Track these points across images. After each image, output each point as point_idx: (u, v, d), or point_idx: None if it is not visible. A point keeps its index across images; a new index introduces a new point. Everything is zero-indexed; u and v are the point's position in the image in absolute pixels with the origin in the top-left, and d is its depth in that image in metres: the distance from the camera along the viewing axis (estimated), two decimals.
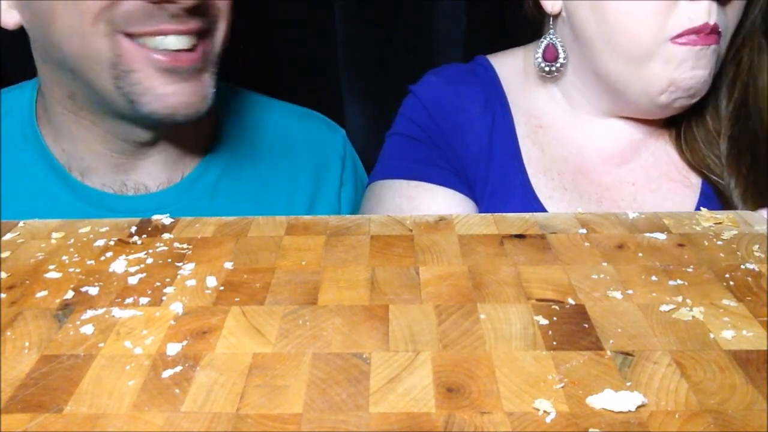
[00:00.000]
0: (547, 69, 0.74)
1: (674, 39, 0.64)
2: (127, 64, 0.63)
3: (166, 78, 0.63)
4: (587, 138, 0.75)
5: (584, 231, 0.52)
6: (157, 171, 0.74)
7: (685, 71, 0.65)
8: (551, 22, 0.73)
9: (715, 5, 0.64)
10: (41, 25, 0.65)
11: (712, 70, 0.66)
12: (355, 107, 1.02)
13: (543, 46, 0.73)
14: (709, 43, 0.64)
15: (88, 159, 0.72)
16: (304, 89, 0.98)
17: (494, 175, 0.73)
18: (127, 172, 0.73)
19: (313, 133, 0.84)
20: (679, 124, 0.74)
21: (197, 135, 0.76)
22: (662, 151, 0.75)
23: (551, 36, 0.73)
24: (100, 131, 0.70)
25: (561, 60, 0.73)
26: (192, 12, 0.63)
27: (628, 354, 0.37)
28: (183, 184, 0.75)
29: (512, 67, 0.78)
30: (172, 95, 0.64)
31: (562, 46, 0.72)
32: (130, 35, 0.62)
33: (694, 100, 0.68)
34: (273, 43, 0.98)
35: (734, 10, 0.67)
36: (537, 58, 0.74)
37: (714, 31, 0.64)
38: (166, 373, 0.36)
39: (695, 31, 0.64)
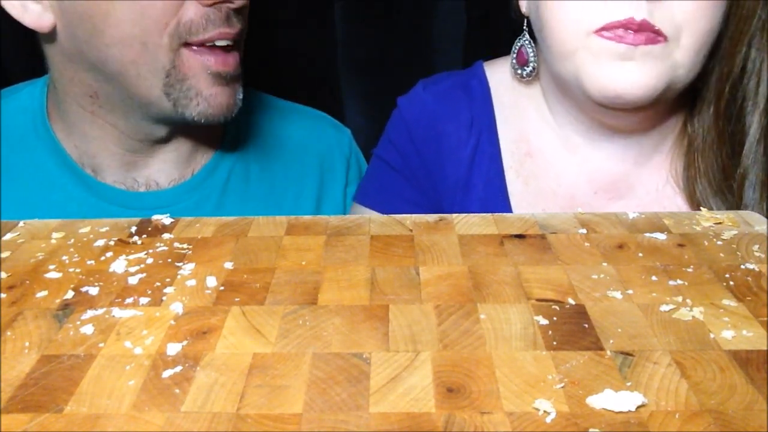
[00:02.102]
0: (519, 72, 0.72)
1: (598, 31, 0.60)
2: (182, 73, 0.66)
3: (212, 81, 0.67)
4: (577, 165, 0.71)
5: (584, 231, 0.52)
6: (168, 168, 0.76)
7: (611, 69, 0.60)
8: (525, 25, 0.71)
9: (644, 2, 0.59)
10: (87, 30, 0.65)
11: (654, 73, 0.60)
12: (355, 107, 1.02)
13: (516, 49, 0.72)
14: (639, 42, 0.59)
15: (100, 156, 0.74)
16: (304, 89, 0.98)
17: (474, 206, 0.71)
18: (138, 168, 0.75)
19: (320, 133, 0.86)
20: (684, 162, 0.68)
21: (207, 132, 0.78)
22: (663, 192, 0.70)
23: (524, 39, 0.71)
24: (115, 131, 0.72)
25: (532, 64, 0.70)
26: (238, 13, 0.67)
27: (628, 354, 0.37)
28: (193, 182, 0.77)
29: (504, 77, 0.75)
30: (218, 96, 0.68)
31: (532, 50, 0.70)
32: (188, 44, 0.66)
33: (638, 102, 0.62)
34: (273, 43, 0.98)
35: (688, 9, 0.60)
36: (512, 61, 0.72)
37: (645, 29, 0.59)
38: (166, 373, 0.36)
39: (620, 25, 0.59)
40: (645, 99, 0.62)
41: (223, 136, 0.80)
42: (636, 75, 0.60)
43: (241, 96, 0.71)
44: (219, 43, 0.66)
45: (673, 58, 0.61)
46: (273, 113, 0.85)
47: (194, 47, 0.66)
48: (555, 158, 0.72)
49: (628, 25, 0.59)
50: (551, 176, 0.72)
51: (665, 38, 0.60)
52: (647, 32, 0.59)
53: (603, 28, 0.60)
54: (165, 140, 0.74)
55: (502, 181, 0.72)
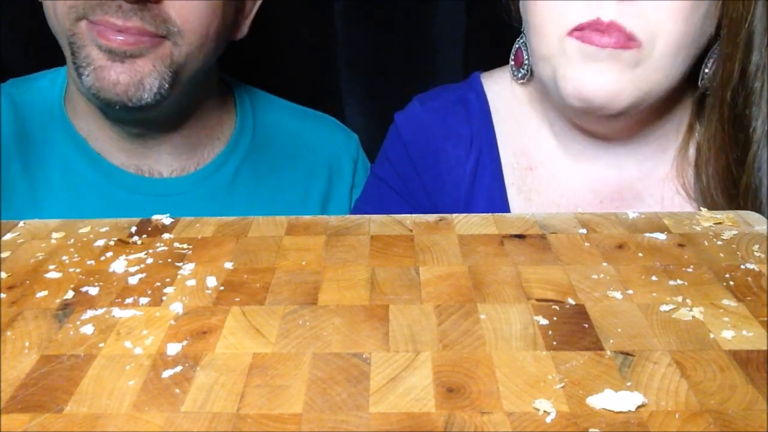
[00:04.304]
0: (516, 75, 0.71)
1: (570, 33, 0.59)
2: (80, 40, 0.67)
3: (103, 54, 0.67)
4: (580, 175, 0.69)
5: (584, 231, 0.52)
6: (168, 159, 0.78)
7: (580, 70, 0.59)
8: (522, 27, 0.70)
9: (613, 3, 0.57)
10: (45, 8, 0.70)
11: (623, 78, 0.59)
12: (355, 107, 1.02)
13: (514, 50, 0.71)
14: (607, 45, 0.58)
15: (101, 140, 0.76)
16: (304, 89, 0.98)
17: None
18: (137, 157, 0.76)
19: (329, 135, 0.87)
20: (694, 171, 0.66)
21: (210, 128, 0.80)
22: (671, 201, 0.67)
23: (521, 41, 0.70)
24: (105, 113, 0.73)
25: (526, 66, 0.69)
26: (140, 10, 0.66)
27: (628, 354, 0.37)
28: (200, 174, 0.78)
29: (502, 88, 0.74)
30: (105, 70, 0.67)
31: (527, 52, 0.68)
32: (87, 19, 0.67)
33: (607, 108, 0.60)
34: (273, 43, 0.98)
35: (661, 10, 0.58)
36: (511, 63, 0.71)
37: (614, 30, 0.58)
38: (166, 373, 0.36)
39: (588, 26, 0.58)
40: (614, 104, 0.60)
41: (232, 133, 0.81)
42: (602, 78, 0.59)
43: (151, 81, 0.68)
44: (112, 20, 0.66)
45: (648, 63, 0.60)
46: (282, 114, 0.86)
47: (91, 21, 0.67)
48: (557, 170, 0.70)
49: (595, 26, 0.58)
50: (553, 189, 0.70)
51: (639, 43, 0.59)
52: (617, 34, 0.58)
53: (574, 29, 0.60)
54: (141, 134, 0.75)
55: (504, 200, 0.70)
